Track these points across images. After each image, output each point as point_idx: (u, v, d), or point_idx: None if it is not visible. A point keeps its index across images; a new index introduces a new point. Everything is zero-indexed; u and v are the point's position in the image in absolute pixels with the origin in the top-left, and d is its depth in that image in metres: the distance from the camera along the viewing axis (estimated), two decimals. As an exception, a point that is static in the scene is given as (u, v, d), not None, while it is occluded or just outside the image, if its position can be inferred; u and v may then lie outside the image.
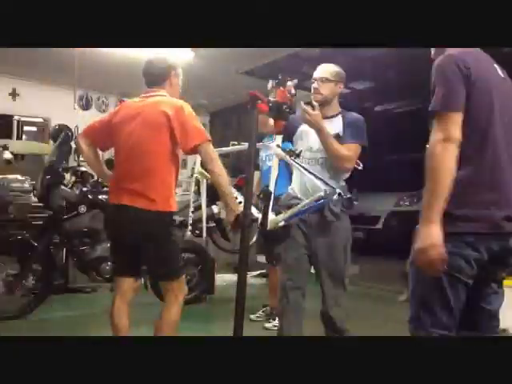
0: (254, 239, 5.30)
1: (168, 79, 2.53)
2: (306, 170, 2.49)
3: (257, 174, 3.26)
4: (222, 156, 3.27)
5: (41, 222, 4.04)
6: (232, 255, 5.32)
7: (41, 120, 7.18)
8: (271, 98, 2.22)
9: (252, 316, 4.02)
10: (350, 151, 2.51)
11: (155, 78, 2.50)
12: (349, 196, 2.41)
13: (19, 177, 4.47)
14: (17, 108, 6.83)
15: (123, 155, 2.43)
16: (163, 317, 2.49)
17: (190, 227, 2.76)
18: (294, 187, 2.67)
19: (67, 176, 4.19)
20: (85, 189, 3.94)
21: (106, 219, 2.58)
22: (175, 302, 2.48)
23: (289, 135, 2.65)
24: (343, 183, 2.62)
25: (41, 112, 6.99)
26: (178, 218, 4.09)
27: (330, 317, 2.53)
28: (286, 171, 2.81)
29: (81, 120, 6.77)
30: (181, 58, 5.39)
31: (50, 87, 6.70)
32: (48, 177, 3.86)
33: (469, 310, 1.68)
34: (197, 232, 3.17)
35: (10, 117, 6.93)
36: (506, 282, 3.66)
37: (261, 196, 2.26)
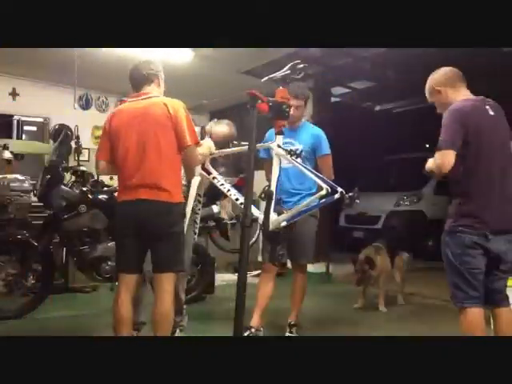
0: (254, 239, 5.29)
1: (156, 80, 2.61)
2: (306, 169, 2.50)
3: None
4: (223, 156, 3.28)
5: (41, 222, 4.03)
6: (232, 255, 5.31)
7: (41, 120, 7.17)
8: (271, 98, 2.22)
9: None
10: None
11: (144, 80, 2.58)
12: (350, 194, 2.41)
13: (19, 177, 4.46)
14: (17, 108, 6.82)
15: (132, 154, 2.50)
16: (161, 312, 2.47)
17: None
18: None
19: (67, 176, 4.18)
20: (85, 188, 3.93)
21: (121, 216, 2.58)
22: (171, 292, 2.51)
23: None
24: None
25: (41, 112, 6.98)
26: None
27: None
28: None
29: (81, 120, 6.79)
30: (181, 57, 5.40)
31: (49, 87, 6.69)
32: (48, 176, 3.86)
33: None
34: (196, 232, 3.16)
35: (10, 117, 6.93)
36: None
37: (262, 196, 2.26)
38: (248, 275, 2.18)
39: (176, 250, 2.54)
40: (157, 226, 2.48)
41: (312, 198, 2.42)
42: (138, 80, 2.60)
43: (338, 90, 6.83)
